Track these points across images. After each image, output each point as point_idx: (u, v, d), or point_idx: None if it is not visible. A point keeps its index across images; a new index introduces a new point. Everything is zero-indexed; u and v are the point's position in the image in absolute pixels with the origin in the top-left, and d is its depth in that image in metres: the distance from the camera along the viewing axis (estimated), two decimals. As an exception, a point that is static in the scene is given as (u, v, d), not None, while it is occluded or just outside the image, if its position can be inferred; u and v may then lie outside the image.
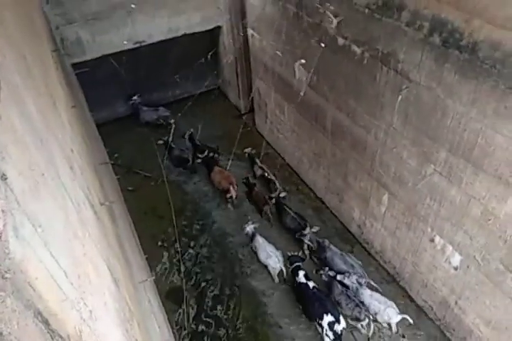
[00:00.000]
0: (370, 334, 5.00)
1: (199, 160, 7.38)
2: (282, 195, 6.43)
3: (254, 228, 6.02)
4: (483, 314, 4.28)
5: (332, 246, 5.65)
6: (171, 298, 5.81)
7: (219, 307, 5.64)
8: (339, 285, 5.14)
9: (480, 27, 3.04)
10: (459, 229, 4.23)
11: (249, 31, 7.22)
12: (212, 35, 8.52)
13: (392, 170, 4.93)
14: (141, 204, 6.93)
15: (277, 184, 6.74)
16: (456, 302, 4.59)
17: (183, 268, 6.08)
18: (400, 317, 4.90)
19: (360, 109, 5.07)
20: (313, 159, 6.62)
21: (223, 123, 8.53)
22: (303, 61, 5.23)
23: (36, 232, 1.34)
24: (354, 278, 5.22)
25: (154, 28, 7.46)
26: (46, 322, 1.36)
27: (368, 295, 5.09)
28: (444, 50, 3.49)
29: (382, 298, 5.05)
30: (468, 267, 4.26)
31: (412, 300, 5.33)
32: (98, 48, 7.06)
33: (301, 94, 5.96)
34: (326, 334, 4.82)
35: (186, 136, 7.78)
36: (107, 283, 2.43)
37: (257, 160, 7.18)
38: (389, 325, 5.05)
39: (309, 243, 5.80)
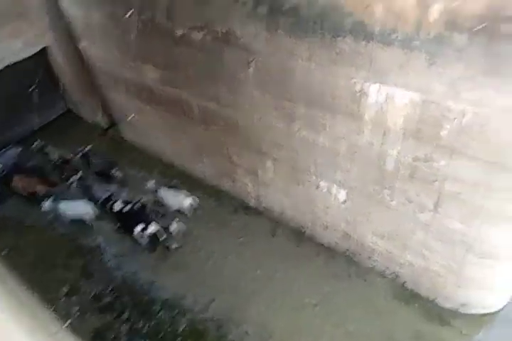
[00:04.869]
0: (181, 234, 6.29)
1: None
2: (87, 148, 7.53)
3: (52, 202, 6.68)
4: (376, 231, 5.08)
5: (95, 184, 7.08)
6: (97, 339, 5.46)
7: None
8: (149, 205, 6.56)
9: (295, -10, 3.61)
10: (336, 168, 4.91)
11: (82, 44, 7.00)
12: (43, 57, 8.01)
13: (266, 138, 5.42)
14: (27, 257, 6.29)
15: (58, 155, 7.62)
16: (354, 230, 5.34)
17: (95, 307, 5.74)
18: (183, 204, 6.47)
19: (220, 91, 5.43)
20: (195, 151, 6.82)
21: (88, 143, 8.12)
22: (131, 11, 5.40)
23: None
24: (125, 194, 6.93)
25: (-29, 66, 6.73)
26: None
27: (163, 193, 6.68)
28: (273, 18, 4.02)
29: (172, 192, 6.68)
30: (352, 197, 5.00)
31: (321, 244, 5.96)
32: None
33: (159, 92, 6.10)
34: (143, 241, 6.11)
35: None
36: (19, 338, 2.32)
37: (47, 150, 7.71)
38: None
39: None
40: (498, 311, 4.95)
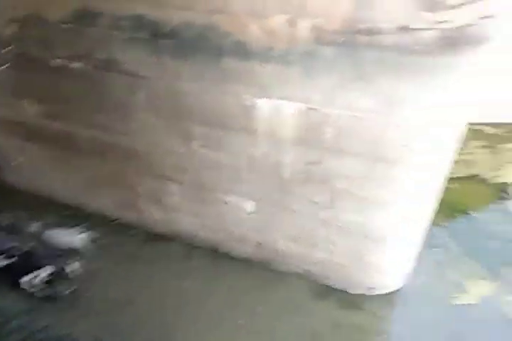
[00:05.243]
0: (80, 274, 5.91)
1: None
2: None
3: None
4: (286, 235, 5.39)
5: None
6: None
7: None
8: (39, 252, 6.07)
9: (171, 14, 3.80)
10: (240, 182, 5.13)
11: None
12: None
13: (167, 162, 5.44)
14: None
15: None
16: (266, 239, 5.58)
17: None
18: (75, 242, 6.25)
19: (111, 120, 5.33)
20: (91, 186, 6.48)
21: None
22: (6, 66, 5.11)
23: None
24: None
25: None
26: None
27: (51, 233, 6.37)
28: (156, 42, 4.15)
29: (60, 231, 6.40)
30: (260, 207, 5.25)
31: (237, 258, 6.05)
32: None
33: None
34: (37, 290, 5.51)
35: None
36: None
37: None
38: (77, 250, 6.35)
39: None
40: (399, 289, 5.56)
